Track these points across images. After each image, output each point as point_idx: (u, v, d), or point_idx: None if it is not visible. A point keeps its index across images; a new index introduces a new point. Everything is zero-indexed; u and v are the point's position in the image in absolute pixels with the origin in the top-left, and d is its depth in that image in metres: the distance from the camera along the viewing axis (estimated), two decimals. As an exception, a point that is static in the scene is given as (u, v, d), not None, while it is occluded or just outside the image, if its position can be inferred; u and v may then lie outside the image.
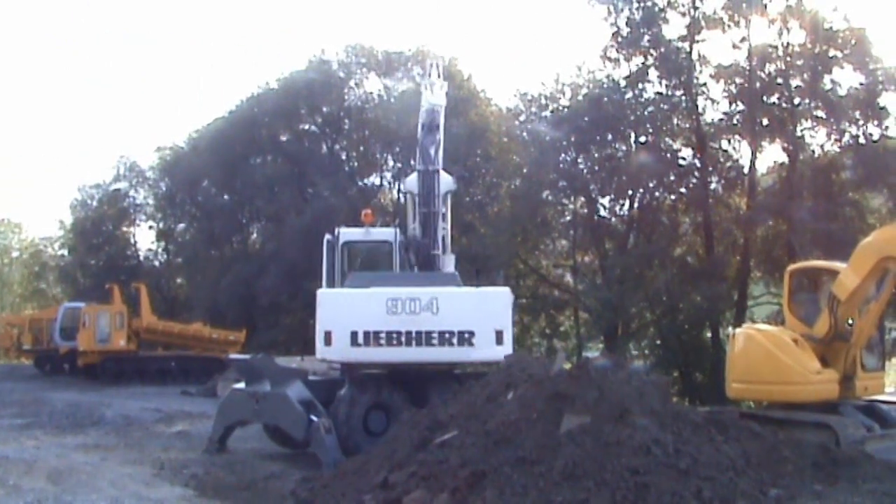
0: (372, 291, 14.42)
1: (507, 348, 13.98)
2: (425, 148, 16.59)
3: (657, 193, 32.61)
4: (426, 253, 15.81)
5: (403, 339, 14.09)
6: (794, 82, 29.13)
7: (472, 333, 14.02)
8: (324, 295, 14.91)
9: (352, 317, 14.26)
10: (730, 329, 24.60)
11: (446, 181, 16.13)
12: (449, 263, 16.15)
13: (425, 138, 16.78)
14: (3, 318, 50.71)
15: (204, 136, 49.73)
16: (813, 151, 30.07)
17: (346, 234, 16.82)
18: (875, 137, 28.26)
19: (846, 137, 28.91)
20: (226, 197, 49.27)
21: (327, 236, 16.76)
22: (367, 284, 14.73)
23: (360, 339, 14.12)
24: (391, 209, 41.16)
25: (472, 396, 10.99)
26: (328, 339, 14.26)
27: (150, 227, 58.48)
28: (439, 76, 19.16)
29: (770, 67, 29.29)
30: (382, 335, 14.09)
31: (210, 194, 50.45)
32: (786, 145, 29.67)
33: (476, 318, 14.13)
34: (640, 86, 31.00)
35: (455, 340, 14.06)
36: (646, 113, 31.00)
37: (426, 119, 17.27)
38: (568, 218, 35.27)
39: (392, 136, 41.00)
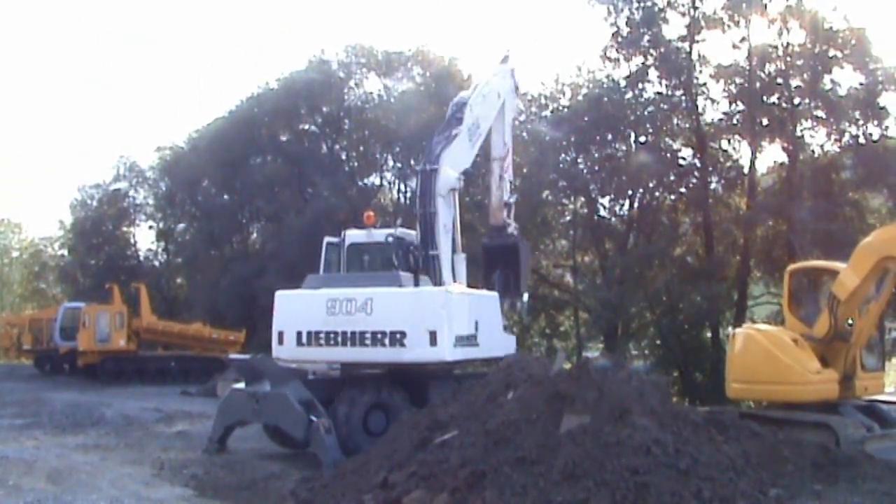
0: (316, 293, 14.76)
1: (441, 350, 13.91)
2: (432, 144, 16.35)
3: (657, 193, 32.60)
4: (421, 254, 15.59)
5: (340, 339, 14.37)
6: (794, 82, 29.10)
7: (403, 334, 14.00)
8: (279, 296, 15.37)
9: (299, 317, 14.80)
10: (730, 329, 24.60)
11: (447, 179, 15.59)
12: (460, 264, 15.94)
13: (437, 133, 16.59)
14: (3, 318, 50.80)
15: (204, 136, 49.72)
16: (813, 151, 30.05)
17: (352, 236, 16.99)
18: (875, 137, 28.23)
19: (846, 137, 28.88)
20: (226, 197, 49.24)
21: (328, 238, 16.81)
22: (318, 286, 15.08)
23: (304, 339, 14.63)
24: (391, 209, 41.14)
25: (472, 396, 11.01)
26: (280, 338, 14.92)
27: (150, 227, 58.58)
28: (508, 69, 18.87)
29: (770, 67, 29.27)
30: (322, 335, 14.48)
31: (210, 194, 50.43)
32: (786, 145, 29.65)
33: (408, 319, 14.10)
34: (640, 86, 30.98)
35: (387, 341, 14.12)
36: (646, 113, 30.98)
37: (449, 111, 17.08)
38: (568, 218, 35.26)
39: (392, 136, 41.00)
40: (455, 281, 15.47)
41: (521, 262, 17.84)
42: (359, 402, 14.26)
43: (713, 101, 30.69)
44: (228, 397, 16.12)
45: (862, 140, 28.39)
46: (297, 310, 14.91)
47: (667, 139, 31.55)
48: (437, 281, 15.09)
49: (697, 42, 30.25)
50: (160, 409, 23.40)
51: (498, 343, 15.58)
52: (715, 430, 9.81)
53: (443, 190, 15.55)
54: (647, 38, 30.13)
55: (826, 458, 10.67)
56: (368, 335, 14.19)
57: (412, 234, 16.26)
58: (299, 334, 14.65)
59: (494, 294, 16.26)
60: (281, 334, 14.92)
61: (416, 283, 14.50)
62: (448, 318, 14.04)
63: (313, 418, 13.50)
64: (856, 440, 12.41)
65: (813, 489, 9.65)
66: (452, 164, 15.86)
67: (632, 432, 8.68)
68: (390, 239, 16.21)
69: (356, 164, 45.01)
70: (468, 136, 16.53)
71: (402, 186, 43.07)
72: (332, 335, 14.42)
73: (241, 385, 15.64)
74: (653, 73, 30.66)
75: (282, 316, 15.06)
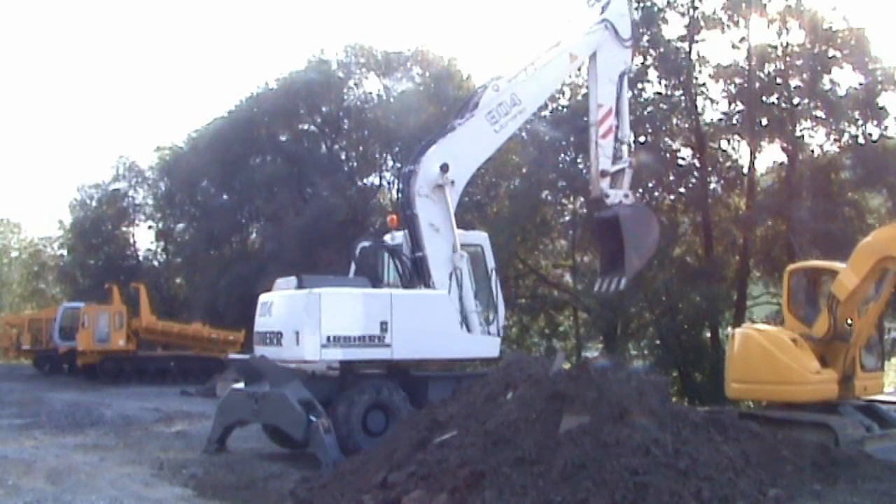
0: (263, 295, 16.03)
1: (303, 349, 14.25)
2: (422, 145, 16.18)
3: (656, 193, 32.54)
4: (405, 256, 15.69)
5: (259, 338, 15.71)
6: (794, 82, 29.10)
7: (280, 334, 14.91)
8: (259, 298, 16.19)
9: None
10: (729, 329, 24.61)
11: (428, 177, 15.22)
12: (461, 263, 15.55)
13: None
14: (2, 318, 50.76)
15: (203, 136, 49.70)
16: (812, 151, 30.05)
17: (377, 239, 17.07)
18: (874, 137, 28.23)
19: (845, 137, 28.89)
20: (225, 197, 49.22)
21: (364, 243, 16.94)
22: (282, 287, 15.96)
23: (253, 339, 16.23)
24: (390, 209, 41.12)
25: (471, 396, 11.00)
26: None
27: (150, 227, 58.64)
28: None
29: (769, 67, 29.27)
30: (257, 335, 15.82)
31: (209, 194, 50.43)
32: (785, 145, 29.65)
33: (284, 320, 14.92)
34: (640, 86, 30.93)
35: (275, 340, 15.05)
36: (645, 113, 30.93)
37: (468, 98, 16.90)
38: (567, 218, 35.23)
39: (391, 136, 40.97)
40: (452, 281, 15.24)
41: (624, 237, 16.25)
42: (358, 402, 14.23)
43: (712, 101, 30.70)
44: (228, 397, 16.15)
45: (861, 140, 28.39)
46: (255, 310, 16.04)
47: (666, 139, 31.51)
48: (427, 282, 15.11)
49: (697, 42, 30.26)
50: (159, 409, 23.40)
51: (444, 344, 15.02)
52: (714, 430, 9.80)
53: (424, 189, 15.29)
54: (646, 37, 30.08)
55: (825, 458, 10.66)
56: (268, 335, 15.33)
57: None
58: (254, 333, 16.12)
59: (429, 293, 15.12)
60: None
61: (408, 286, 15.20)
62: (312, 319, 14.13)
63: (312, 418, 13.49)
64: (855, 440, 12.43)
65: (812, 489, 9.64)
66: (451, 157, 15.37)
67: (631, 432, 8.69)
68: (374, 244, 16.80)
69: (355, 164, 44.99)
70: (487, 120, 15.78)
71: (403, 187, 42.97)
72: (258, 335, 15.76)
73: (241, 385, 15.66)
74: (652, 73, 30.65)
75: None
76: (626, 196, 16.73)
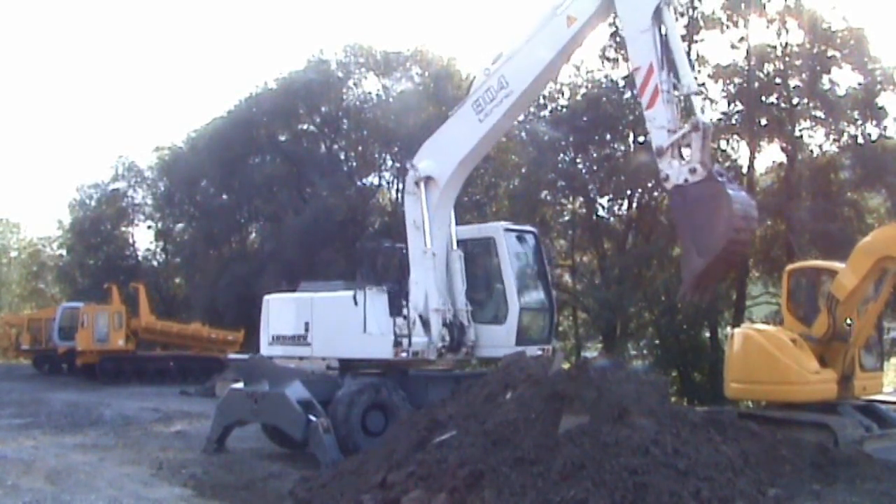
0: None
1: (262, 346, 16.69)
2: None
3: (656, 193, 32.47)
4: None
5: None
6: (793, 82, 29.07)
7: None
8: None
9: None
10: (728, 329, 24.59)
11: (412, 174, 15.21)
12: (455, 262, 15.47)
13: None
14: (1, 318, 50.72)
15: (202, 136, 49.67)
16: (811, 151, 30.03)
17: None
18: (873, 137, 28.20)
19: (845, 137, 28.86)
20: (224, 197, 49.21)
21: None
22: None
23: None
24: (390, 209, 41.13)
25: (470, 396, 10.99)
26: None
27: (149, 227, 58.63)
28: None
29: (768, 67, 29.24)
30: None
31: (208, 194, 50.39)
32: (784, 145, 29.63)
33: None
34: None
35: None
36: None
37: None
38: (566, 218, 35.21)
39: (391, 136, 40.94)
40: (429, 276, 15.07)
41: (678, 233, 13.41)
42: (357, 402, 14.23)
43: (712, 100, 30.65)
44: (227, 397, 16.15)
45: (860, 140, 28.38)
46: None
47: (665, 139, 31.50)
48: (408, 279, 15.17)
49: (696, 42, 30.22)
50: (159, 408, 23.41)
51: (347, 343, 15.24)
52: (713, 430, 9.81)
53: (410, 186, 15.37)
54: (645, 38, 30.07)
55: (825, 458, 10.67)
56: None
57: None
58: None
59: (339, 295, 15.49)
60: None
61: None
62: (264, 321, 16.65)
63: (312, 418, 13.51)
64: (854, 440, 12.43)
65: (811, 489, 9.65)
66: (438, 152, 15.15)
67: (630, 432, 8.69)
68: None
69: (355, 163, 44.97)
70: (473, 109, 14.54)
71: (401, 186, 42.98)
72: None
73: (240, 385, 15.65)
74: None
75: None
76: (692, 171, 11.78)
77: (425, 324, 14.86)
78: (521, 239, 16.27)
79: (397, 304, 14.90)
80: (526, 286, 16.00)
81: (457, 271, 15.42)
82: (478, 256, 15.87)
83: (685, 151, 12.02)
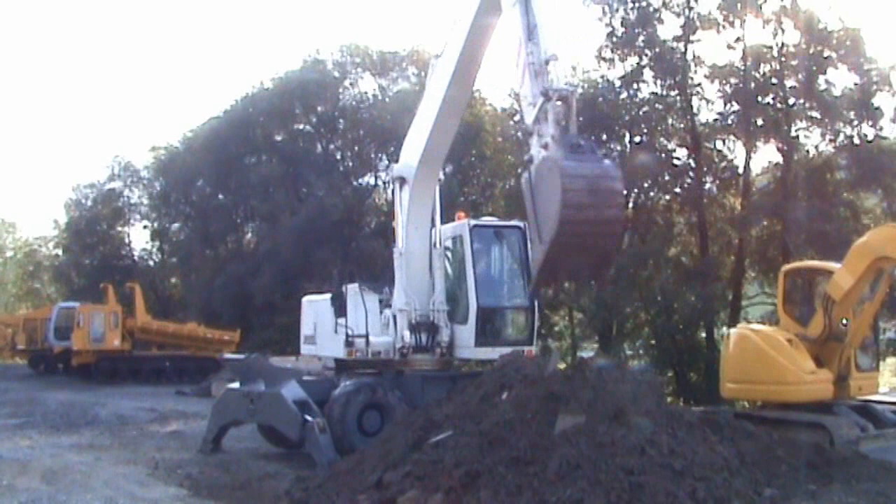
0: None
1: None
2: None
3: (652, 193, 32.59)
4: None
5: None
6: (789, 82, 29.10)
7: None
8: None
9: None
10: (724, 329, 24.61)
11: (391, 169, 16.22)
12: (438, 259, 15.50)
13: None
14: (-3, 318, 50.63)
15: (198, 136, 49.66)
16: (807, 152, 30.05)
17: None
18: (869, 138, 28.24)
19: (840, 138, 28.90)
20: (220, 196, 49.20)
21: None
22: None
23: None
24: (385, 209, 41.11)
25: (466, 396, 10.98)
26: None
27: (145, 227, 58.56)
28: None
29: (765, 68, 29.27)
30: None
31: (204, 194, 50.36)
32: (780, 145, 29.64)
33: None
34: (635, 86, 30.93)
35: None
36: (640, 113, 30.94)
37: None
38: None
39: (387, 135, 40.83)
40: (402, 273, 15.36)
41: (527, 210, 10.54)
42: (353, 402, 14.24)
43: (708, 101, 30.68)
44: (223, 397, 16.15)
45: (856, 140, 28.42)
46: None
47: (662, 139, 31.52)
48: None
49: (692, 42, 30.23)
50: (155, 408, 23.38)
51: (327, 344, 16.34)
52: (709, 431, 9.81)
53: (392, 187, 16.21)
54: (641, 38, 30.08)
55: (821, 458, 10.67)
56: None
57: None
58: None
59: (323, 298, 16.82)
60: None
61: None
62: (301, 320, 17.89)
63: (308, 418, 13.50)
64: (850, 440, 12.45)
65: (807, 489, 9.64)
66: (403, 154, 15.70)
67: (626, 432, 8.69)
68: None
69: (351, 163, 44.97)
70: (424, 98, 15.16)
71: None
72: None
73: (236, 385, 15.65)
74: (648, 74, 30.61)
75: None
76: (545, 146, 10.17)
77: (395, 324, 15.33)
78: (499, 235, 15.90)
79: (339, 305, 15.65)
80: (496, 284, 16.02)
81: (437, 269, 15.47)
82: (454, 254, 15.88)
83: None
